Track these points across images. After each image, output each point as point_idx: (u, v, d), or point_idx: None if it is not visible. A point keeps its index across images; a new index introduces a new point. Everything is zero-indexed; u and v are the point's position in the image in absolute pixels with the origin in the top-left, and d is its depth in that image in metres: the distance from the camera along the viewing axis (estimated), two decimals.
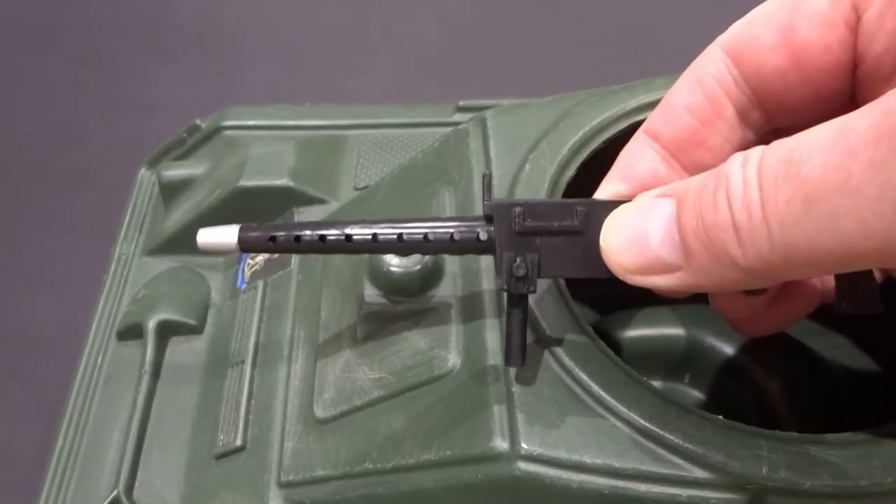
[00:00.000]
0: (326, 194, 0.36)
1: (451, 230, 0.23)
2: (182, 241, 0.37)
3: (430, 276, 0.27)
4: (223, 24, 0.66)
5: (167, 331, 0.34)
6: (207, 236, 0.24)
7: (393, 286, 0.27)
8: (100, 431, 0.31)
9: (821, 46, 0.21)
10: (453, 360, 0.25)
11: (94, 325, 0.35)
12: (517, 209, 0.22)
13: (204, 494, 0.28)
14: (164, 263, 0.37)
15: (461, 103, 0.40)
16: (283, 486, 0.26)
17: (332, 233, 0.23)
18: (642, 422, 0.22)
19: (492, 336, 0.25)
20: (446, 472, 0.23)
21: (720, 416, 0.22)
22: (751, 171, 0.17)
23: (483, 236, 0.23)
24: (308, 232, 0.23)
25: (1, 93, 0.60)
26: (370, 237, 0.23)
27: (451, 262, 0.28)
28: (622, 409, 0.22)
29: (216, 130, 0.40)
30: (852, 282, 0.23)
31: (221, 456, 0.28)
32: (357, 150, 0.38)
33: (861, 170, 0.16)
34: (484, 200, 0.23)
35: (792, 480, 0.21)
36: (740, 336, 0.32)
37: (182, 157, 0.41)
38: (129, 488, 0.29)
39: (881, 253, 0.16)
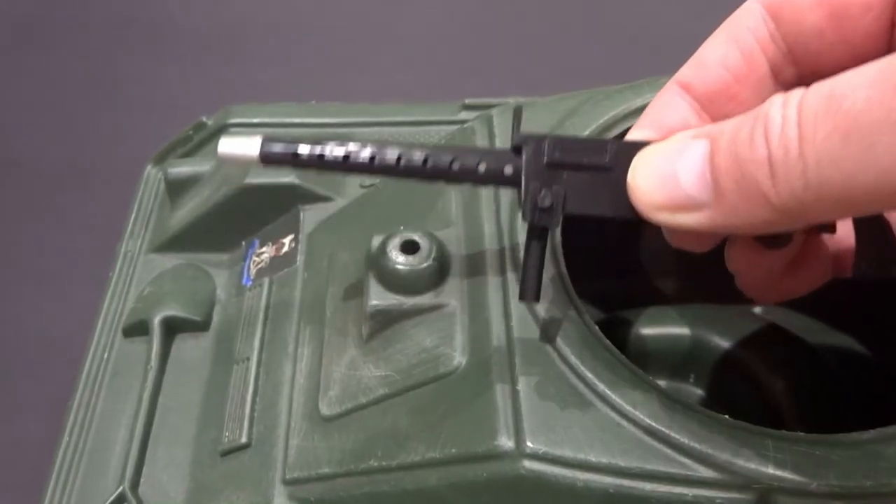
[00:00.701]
0: (332, 192, 0.36)
1: (478, 159, 0.23)
2: (188, 239, 0.37)
3: (436, 275, 0.27)
4: (230, 21, 0.66)
5: (173, 327, 0.34)
6: (229, 146, 0.23)
7: (399, 284, 0.27)
8: (105, 427, 0.31)
9: (861, 4, 0.20)
10: (459, 358, 0.25)
11: (99, 322, 0.35)
12: (548, 140, 0.22)
13: (209, 491, 0.28)
14: (170, 260, 0.37)
15: (467, 101, 0.40)
16: (288, 483, 0.26)
17: (356, 152, 0.23)
18: (648, 421, 0.22)
19: (497, 334, 0.25)
20: (451, 470, 0.23)
21: (726, 416, 0.22)
22: (791, 110, 0.17)
23: (509, 170, 0.22)
24: (332, 150, 0.23)
25: (6, 91, 0.60)
26: (394, 160, 0.23)
27: (457, 261, 0.28)
28: (627, 407, 0.22)
29: (221, 128, 0.40)
30: (872, 243, 0.22)
31: (227, 453, 0.29)
32: None
33: None
34: (513, 133, 0.22)
35: (798, 480, 0.21)
36: (745, 334, 0.32)
37: (188, 154, 0.41)
38: (135, 484, 0.29)
39: None
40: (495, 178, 0.23)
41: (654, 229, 0.22)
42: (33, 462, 0.36)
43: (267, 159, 0.23)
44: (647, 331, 0.33)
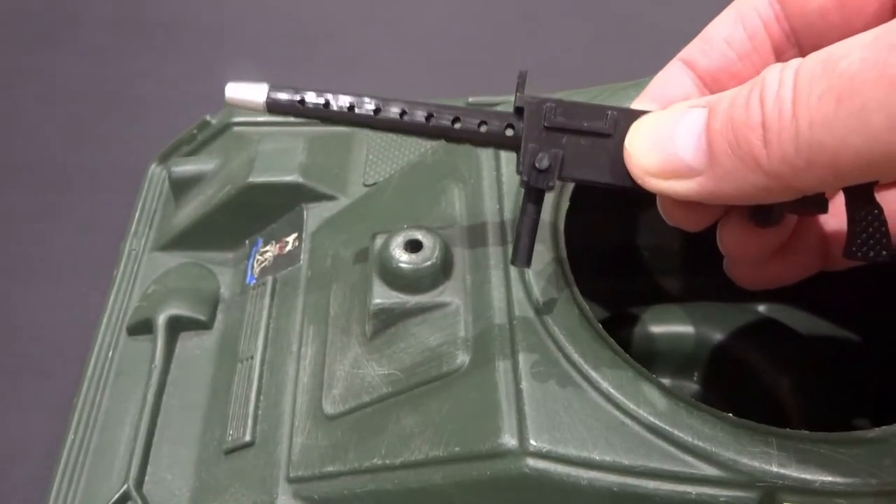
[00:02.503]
0: (336, 191, 0.36)
1: (480, 119, 0.23)
2: (192, 237, 0.37)
3: (440, 273, 0.27)
4: (233, 19, 0.66)
5: (177, 326, 0.34)
6: (236, 90, 0.23)
7: (402, 282, 0.27)
8: (110, 426, 0.31)
9: None
10: (462, 356, 0.25)
11: (104, 321, 0.35)
12: (549, 104, 0.22)
13: (214, 489, 0.28)
14: (174, 259, 0.37)
15: (471, 100, 0.40)
16: (292, 481, 0.26)
17: (361, 103, 0.23)
18: (651, 419, 0.22)
19: (501, 333, 0.25)
20: (455, 468, 0.23)
21: (730, 414, 0.22)
22: (788, 73, 0.17)
23: (510, 132, 0.23)
24: (337, 101, 0.23)
25: (10, 90, 0.60)
26: (398, 114, 0.23)
27: (461, 259, 0.28)
28: (631, 406, 0.22)
29: (226, 126, 0.40)
30: (864, 224, 0.22)
31: (231, 451, 0.29)
32: (366, 147, 0.38)
33: None
34: (517, 94, 0.22)
35: (802, 479, 0.21)
36: (750, 332, 0.32)
37: (192, 153, 0.41)
38: (140, 482, 0.29)
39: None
40: (496, 140, 0.23)
41: (657, 223, 0.22)
42: (38, 460, 0.36)
43: (273, 107, 0.23)
44: (651, 329, 0.33)
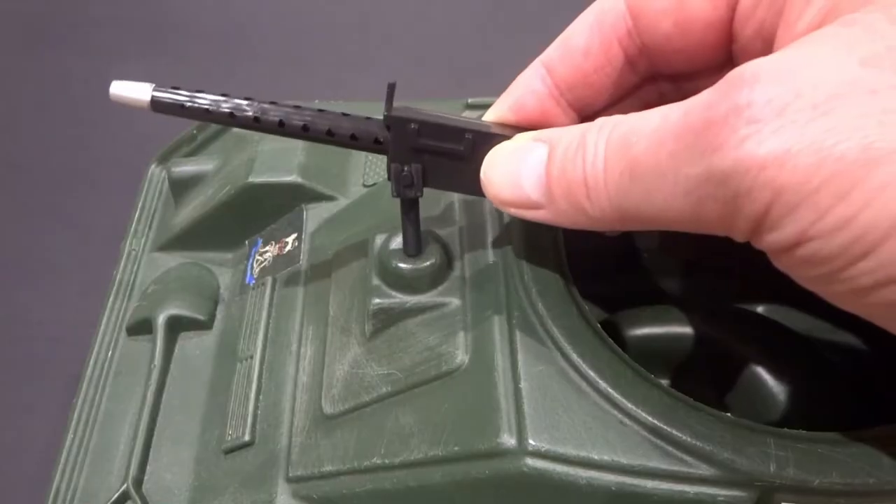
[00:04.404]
0: (335, 191, 0.36)
1: (352, 132, 0.25)
2: (192, 237, 0.37)
3: (439, 273, 0.27)
4: (233, 20, 0.66)
5: (177, 326, 0.34)
6: (120, 88, 0.24)
7: (401, 282, 0.27)
8: (110, 425, 0.31)
9: (704, 21, 0.23)
10: (461, 356, 0.25)
11: (103, 321, 0.35)
12: (412, 126, 0.24)
13: (213, 488, 0.28)
14: (174, 259, 0.37)
15: (470, 101, 0.40)
16: (291, 480, 0.26)
17: (241, 109, 0.24)
18: (650, 419, 0.22)
19: (500, 332, 0.25)
20: (454, 467, 0.23)
21: (728, 414, 0.22)
22: (601, 143, 0.20)
23: (380, 139, 0.25)
24: (219, 106, 0.24)
25: (10, 90, 0.60)
26: (276, 123, 0.24)
27: (460, 259, 0.28)
28: (630, 405, 0.22)
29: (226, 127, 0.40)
30: None
31: (230, 451, 0.29)
32: None
33: (665, 159, 0.18)
34: (385, 111, 0.24)
35: (800, 478, 0.21)
36: (748, 332, 0.32)
37: (192, 153, 0.41)
38: (139, 482, 0.29)
39: (691, 225, 0.19)
40: (368, 149, 0.25)
41: None
42: (38, 460, 0.36)
43: (157, 107, 0.24)
44: (650, 329, 0.33)
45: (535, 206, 0.22)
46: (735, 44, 0.23)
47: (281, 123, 0.24)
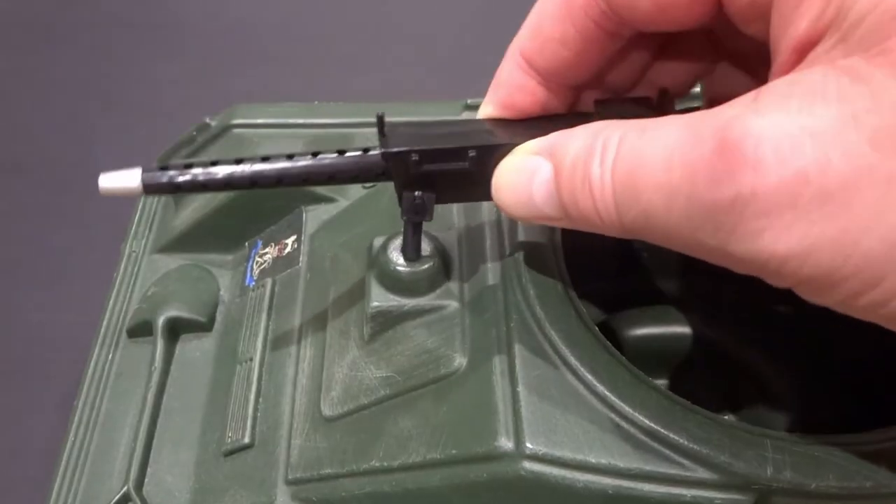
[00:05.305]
0: (335, 193, 0.36)
1: (353, 174, 0.24)
2: (192, 239, 0.37)
3: (437, 276, 0.27)
4: (233, 21, 0.66)
5: (177, 328, 0.34)
6: (109, 180, 0.23)
7: (400, 285, 0.27)
8: (110, 428, 0.31)
9: (686, 7, 0.22)
10: (459, 359, 0.25)
11: (104, 323, 0.35)
12: (413, 157, 0.24)
13: (213, 490, 0.28)
14: (174, 261, 0.37)
15: (469, 101, 0.40)
16: (290, 483, 0.26)
17: (238, 174, 0.24)
18: (647, 422, 0.22)
19: (498, 336, 0.25)
20: (452, 470, 0.23)
21: (725, 416, 0.22)
22: (607, 176, 0.20)
23: (384, 171, 0.24)
24: (212, 176, 0.24)
25: (10, 91, 0.61)
26: (275, 179, 0.24)
27: (458, 262, 0.28)
28: (627, 408, 0.22)
29: (226, 129, 0.40)
30: None
31: (230, 453, 0.29)
32: None
33: (676, 213, 0.18)
34: (380, 147, 0.24)
35: (797, 481, 0.21)
36: (746, 334, 0.32)
37: (192, 155, 0.41)
38: (140, 484, 0.29)
39: (699, 253, 0.19)
40: (373, 180, 0.25)
41: None
42: (38, 462, 0.36)
43: (150, 190, 0.23)
44: (647, 331, 0.33)
45: (551, 219, 0.22)
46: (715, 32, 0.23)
47: (279, 181, 0.24)
